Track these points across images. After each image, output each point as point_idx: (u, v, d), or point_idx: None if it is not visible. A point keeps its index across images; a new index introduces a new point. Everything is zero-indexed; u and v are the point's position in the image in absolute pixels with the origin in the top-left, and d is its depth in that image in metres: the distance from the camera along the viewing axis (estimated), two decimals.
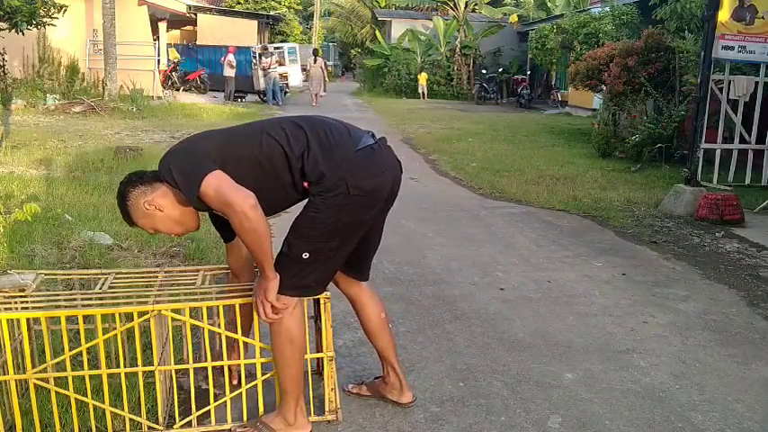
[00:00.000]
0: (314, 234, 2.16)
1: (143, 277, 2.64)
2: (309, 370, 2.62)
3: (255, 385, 2.37)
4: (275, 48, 21.39)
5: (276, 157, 2.16)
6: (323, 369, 2.47)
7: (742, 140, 7.08)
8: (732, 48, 6.39)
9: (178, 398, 2.50)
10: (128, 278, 2.61)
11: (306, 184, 2.16)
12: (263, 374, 2.37)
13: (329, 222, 2.15)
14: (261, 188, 2.10)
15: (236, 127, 2.36)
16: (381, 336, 2.53)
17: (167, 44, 21.93)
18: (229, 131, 2.29)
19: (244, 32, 23.26)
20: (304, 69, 21.14)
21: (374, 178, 2.20)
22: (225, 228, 2.38)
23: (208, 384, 2.39)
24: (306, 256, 2.17)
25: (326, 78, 21.17)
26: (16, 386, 2.22)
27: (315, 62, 19.80)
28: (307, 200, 2.20)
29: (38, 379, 2.21)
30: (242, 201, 2.02)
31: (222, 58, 19.67)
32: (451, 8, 24.64)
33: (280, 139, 2.17)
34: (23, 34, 10.52)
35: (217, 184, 2.04)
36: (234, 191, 2.04)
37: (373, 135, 2.29)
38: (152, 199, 2.19)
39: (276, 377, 2.32)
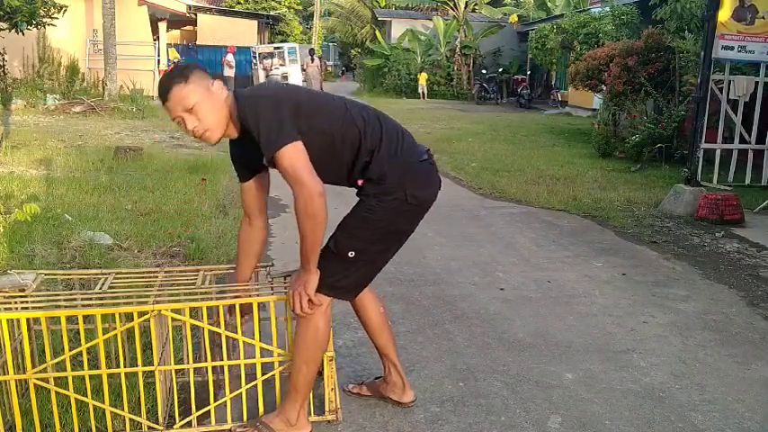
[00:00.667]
0: (363, 234, 2.19)
1: (143, 277, 2.63)
2: None
3: (255, 385, 2.37)
4: (275, 48, 21.38)
5: (349, 141, 2.17)
6: (323, 369, 2.47)
7: (742, 140, 7.08)
8: (732, 48, 6.39)
9: (178, 398, 2.50)
10: (128, 278, 2.61)
11: (360, 181, 2.18)
12: (262, 374, 2.37)
13: (380, 225, 2.18)
14: (320, 162, 2.08)
15: (322, 95, 2.34)
16: (382, 332, 2.53)
17: (167, 44, 21.92)
18: (315, 97, 2.26)
19: (244, 32, 23.27)
20: (303, 70, 21.18)
21: (427, 190, 2.27)
22: (245, 166, 2.32)
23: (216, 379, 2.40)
24: (352, 254, 2.18)
25: (323, 77, 21.18)
26: (16, 386, 2.22)
27: (312, 62, 19.83)
28: (359, 200, 2.23)
29: (38, 379, 2.21)
30: (313, 184, 2.01)
31: (223, 58, 19.68)
32: (451, 8, 24.65)
33: (359, 125, 2.18)
34: (23, 34, 10.53)
35: (295, 157, 2.02)
36: (308, 171, 2.03)
37: (428, 151, 2.35)
38: (219, 86, 2.14)
39: (289, 376, 2.31)
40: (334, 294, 2.26)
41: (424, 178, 2.27)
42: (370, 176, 2.15)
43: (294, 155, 2.03)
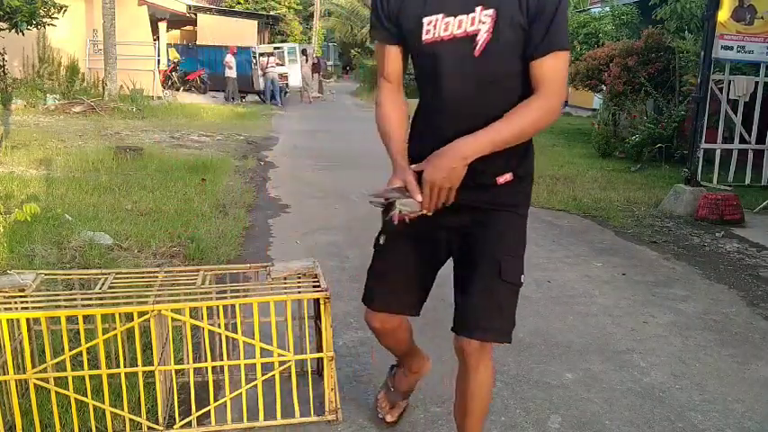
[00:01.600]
0: (521, 251, 1.86)
1: (143, 277, 2.63)
2: (309, 370, 2.63)
3: (255, 385, 2.37)
4: (275, 48, 21.40)
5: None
6: (323, 369, 2.47)
7: (742, 140, 7.08)
8: (731, 48, 6.40)
9: (178, 398, 2.50)
10: (128, 278, 2.61)
11: (510, 175, 1.81)
12: (263, 375, 2.37)
13: (525, 235, 1.88)
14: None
15: None
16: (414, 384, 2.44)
17: (167, 44, 21.92)
18: None
19: (244, 32, 23.25)
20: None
21: None
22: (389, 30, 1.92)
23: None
24: (522, 279, 1.84)
25: (322, 77, 21.22)
26: (16, 386, 2.22)
27: (306, 62, 19.88)
28: (494, 210, 1.85)
29: (38, 379, 2.21)
30: (562, 103, 1.74)
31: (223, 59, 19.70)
32: None
33: None
34: (23, 34, 10.52)
35: (567, 64, 1.75)
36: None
37: None
38: None
39: None
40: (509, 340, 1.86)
41: None
42: (522, 173, 1.81)
43: (567, 60, 1.75)
